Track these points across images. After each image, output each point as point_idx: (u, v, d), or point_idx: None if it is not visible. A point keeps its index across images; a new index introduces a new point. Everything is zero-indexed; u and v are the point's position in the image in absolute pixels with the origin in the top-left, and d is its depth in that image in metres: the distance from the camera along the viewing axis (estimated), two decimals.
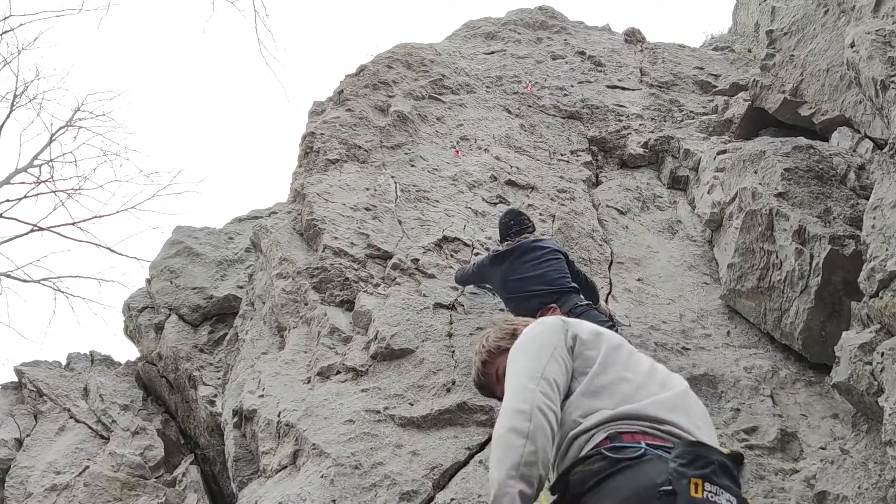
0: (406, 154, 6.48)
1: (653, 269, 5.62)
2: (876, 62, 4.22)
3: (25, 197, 12.29)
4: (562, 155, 6.99)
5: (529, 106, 7.59)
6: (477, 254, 5.39)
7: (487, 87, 7.79)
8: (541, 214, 5.88)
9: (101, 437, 6.07)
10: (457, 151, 6.64)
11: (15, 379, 6.80)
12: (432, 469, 3.67)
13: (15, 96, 12.73)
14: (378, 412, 4.02)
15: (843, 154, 5.03)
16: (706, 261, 5.68)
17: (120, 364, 7.21)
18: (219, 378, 6.00)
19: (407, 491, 3.52)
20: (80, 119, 13.23)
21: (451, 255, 5.35)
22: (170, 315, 6.73)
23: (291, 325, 5.13)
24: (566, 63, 8.52)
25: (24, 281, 11.91)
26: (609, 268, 5.59)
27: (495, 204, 6.06)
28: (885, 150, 4.06)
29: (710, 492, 1.45)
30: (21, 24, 20.99)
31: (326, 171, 6.13)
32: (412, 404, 4.08)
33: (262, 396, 4.49)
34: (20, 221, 12.02)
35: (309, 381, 4.52)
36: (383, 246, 5.31)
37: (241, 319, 6.00)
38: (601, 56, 8.70)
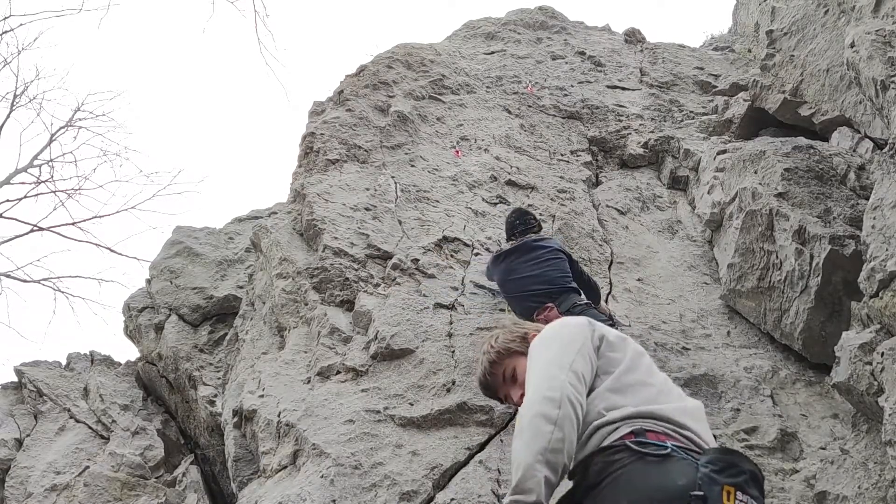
0: (406, 154, 6.47)
1: (653, 269, 5.62)
2: (876, 62, 4.22)
3: (25, 197, 12.32)
4: (562, 155, 6.99)
5: (529, 106, 7.59)
6: (477, 254, 5.39)
7: (487, 87, 7.79)
8: (541, 214, 5.87)
9: (101, 437, 6.06)
10: (457, 151, 6.64)
11: (15, 379, 6.80)
12: (432, 469, 3.66)
13: (15, 96, 12.76)
14: (378, 412, 4.02)
15: (843, 154, 5.03)
16: (706, 261, 5.68)
17: (120, 364, 7.20)
18: (219, 378, 6.00)
19: (407, 491, 3.52)
20: (80, 119, 13.27)
21: (451, 256, 5.35)
22: (170, 315, 6.72)
23: (291, 325, 5.13)
24: (566, 63, 8.52)
25: (24, 281, 11.93)
26: (609, 268, 5.60)
27: (495, 204, 6.06)
28: (885, 150, 4.05)
29: (742, 501, 1.44)
30: (21, 24, 21.06)
31: (326, 171, 6.13)
32: (412, 404, 4.08)
33: (262, 396, 4.48)
34: (20, 221, 12.05)
35: (309, 381, 4.52)
36: (383, 246, 5.31)
37: (241, 319, 6.00)
38: (601, 56, 8.70)
